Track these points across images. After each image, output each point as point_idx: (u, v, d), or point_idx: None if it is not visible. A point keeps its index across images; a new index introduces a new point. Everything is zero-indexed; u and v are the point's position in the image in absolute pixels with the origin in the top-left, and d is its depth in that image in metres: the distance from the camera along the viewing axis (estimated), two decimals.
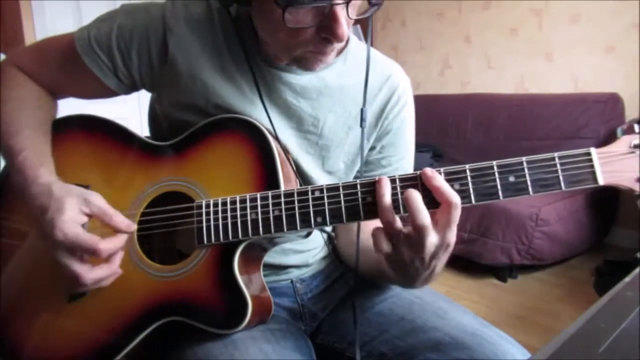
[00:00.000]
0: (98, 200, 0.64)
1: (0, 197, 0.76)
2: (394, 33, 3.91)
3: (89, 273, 0.62)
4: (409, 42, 3.82)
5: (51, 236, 0.60)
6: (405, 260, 0.58)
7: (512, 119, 3.02)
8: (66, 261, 0.61)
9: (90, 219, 0.64)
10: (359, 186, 0.60)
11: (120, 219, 0.65)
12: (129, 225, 0.66)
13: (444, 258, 0.59)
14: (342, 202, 0.61)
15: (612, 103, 2.68)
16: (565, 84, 3.02)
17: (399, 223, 0.57)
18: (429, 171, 0.56)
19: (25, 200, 0.65)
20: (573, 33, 2.94)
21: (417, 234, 0.55)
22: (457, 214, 0.55)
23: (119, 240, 0.64)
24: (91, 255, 0.62)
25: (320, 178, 0.78)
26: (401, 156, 0.82)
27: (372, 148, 0.81)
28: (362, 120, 0.73)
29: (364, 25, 0.71)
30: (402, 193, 0.57)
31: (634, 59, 2.69)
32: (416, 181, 0.58)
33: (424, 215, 0.55)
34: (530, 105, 2.98)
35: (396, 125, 0.80)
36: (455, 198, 0.54)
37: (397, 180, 0.58)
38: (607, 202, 2.72)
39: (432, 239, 0.55)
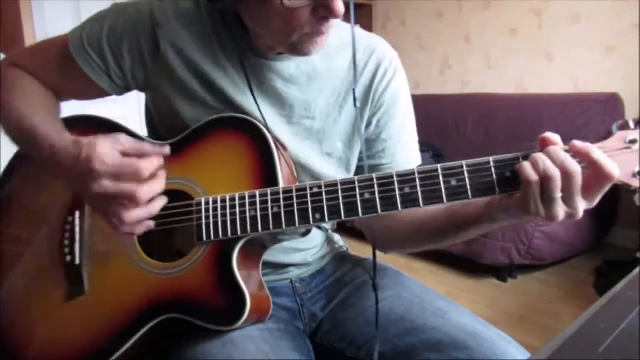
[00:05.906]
0: (126, 137, 0.64)
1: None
2: (394, 33, 3.91)
3: (131, 212, 0.61)
4: (409, 42, 3.82)
5: (91, 171, 0.60)
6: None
7: (512, 119, 3.01)
8: (110, 187, 0.60)
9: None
10: (356, 182, 0.60)
11: (150, 146, 0.65)
12: (162, 147, 0.67)
13: None
14: (340, 198, 0.61)
15: (612, 103, 2.67)
16: (565, 84, 3.01)
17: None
18: (581, 143, 0.54)
19: (54, 157, 0.65)
20: (573, 33, 2.94)
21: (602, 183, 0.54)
22: (607, 187, 0.55)
23: (156, 164, 0.63)
24: (134, 176, 0.61)
25: (321, 162, 0.78)
26: (400, 126, 0.81)
27: (369, 124, 0.80)
28: (355, 99, 0.73)
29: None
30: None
31: (634, 59, 2.69)
32: (569, 153, 0.55)
33: (613, 165, 0.52)
34: (530, 105, 2.98)
35: (388, 96, 0.79)
36: (617, 172, 0.53)
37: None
38: (607, 202, 2.70)
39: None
